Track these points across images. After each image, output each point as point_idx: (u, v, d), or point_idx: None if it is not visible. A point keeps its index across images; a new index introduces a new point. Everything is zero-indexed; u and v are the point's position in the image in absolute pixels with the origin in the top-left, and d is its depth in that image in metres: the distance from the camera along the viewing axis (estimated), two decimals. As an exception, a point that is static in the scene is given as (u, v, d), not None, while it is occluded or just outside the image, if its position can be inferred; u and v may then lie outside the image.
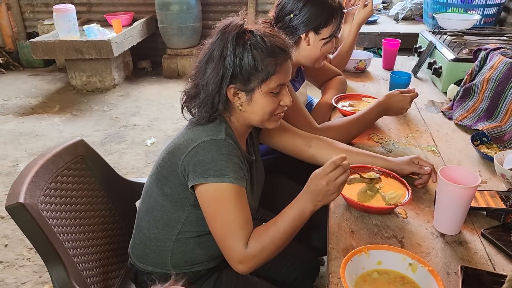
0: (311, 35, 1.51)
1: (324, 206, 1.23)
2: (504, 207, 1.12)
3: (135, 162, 3.16)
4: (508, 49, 1.72)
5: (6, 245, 2.39)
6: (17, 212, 1.10)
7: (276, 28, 1.54)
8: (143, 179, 1.58)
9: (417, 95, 1.56)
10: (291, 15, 1.50)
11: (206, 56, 1.14)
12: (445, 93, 1.94)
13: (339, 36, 1.66)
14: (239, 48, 1.09)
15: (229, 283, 1.28)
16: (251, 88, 1.11)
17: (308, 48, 1.53)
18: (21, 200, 1.11)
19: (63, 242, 1.21)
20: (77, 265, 1.24)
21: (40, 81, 4.95)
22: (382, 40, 2.29)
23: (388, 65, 2.31)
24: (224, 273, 1.29)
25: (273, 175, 1.71)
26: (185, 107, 1.20)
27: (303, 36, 1.52)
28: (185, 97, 1.19)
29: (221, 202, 1.07)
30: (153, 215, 1.21)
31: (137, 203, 1.55)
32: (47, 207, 1.22)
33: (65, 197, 1.32)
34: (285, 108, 1.18)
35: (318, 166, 1.39)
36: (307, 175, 1.70)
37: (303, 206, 1.06)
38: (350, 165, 1.27)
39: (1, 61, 5.21)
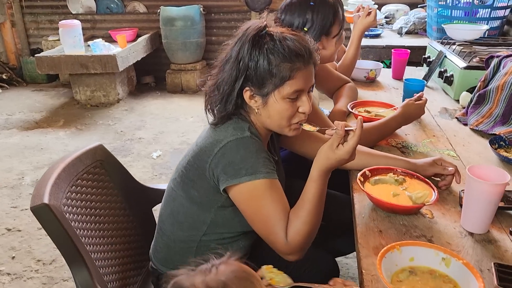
0: (323, 39, 1.53)
1: (349, 211, 1.23)
2: (532, 206, 1.12)
3: (142, 175, 3.15)
4: (521, 55, 1.74)
5: (13, 257, 2.36)
6: (42, 212, 1.09)
7: None
8: (161, 185, 1.58)
9: (426, 100, 1.62)
10: (305, 29, 1.51)
11: (226, 56, 1.14)
12: (457, 100, 1.95)
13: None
14: (255, 51, 1.08)
15: None
16: (266, 92, 1.09)
17: (324, 51, 1.55)
18: (46, 201, 1.10)
19: (85, 246, 1.19)
20: (99, 269, 1.22)
21: (43, 96, 4.96)
22: (392, 50, 2.31)
23: (398, 75, 2.32)
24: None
25: (290, 181, 1.70)
26: (207, 107, 1.19)
27: (317, 44, 1.53)
28: (206, 95, 1.19)
29: (257, 199, 1.07)
30: (178, 218, 1.20)
31: (154, 209, 1.54)
32: (69, 209, 1.21)
33: (85, 200, 1.31)
34: (305, 116, 1.14)
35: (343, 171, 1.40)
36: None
37: (318, 177, 1.06)
38: (374, 167, 1.28)
39: (4, 77, 5.22)
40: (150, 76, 5.27)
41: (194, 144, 1.19)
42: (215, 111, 1.16)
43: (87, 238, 1.24)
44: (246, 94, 1.11)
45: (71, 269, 1.12)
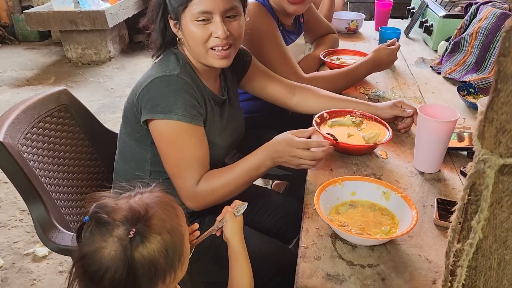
0: None
1: None
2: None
3: (128, 130, 3.16)
4: (499, 2, 1.69)
5: (-1, 207, 2.41)
6: (-4, 150, 1.10)
7: None
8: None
9: (399, 46, 1.58)
10: None
11: None
12: (436, 50, 1.92)
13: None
14: None
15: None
16: (178, 16, 1.09)
17: None
18: (0, 139, 1.11)
19: (44, 185, 1.21)
20: (60, 208, 1.25)
21: (35, 54, 4.92)
22: (375, 1, 2.26)
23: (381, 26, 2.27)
24: (206, 219, 1.29)
25: (264, 130, 1.70)
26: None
27: None
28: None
29: (168, 139, 1.07)
30: (125, 156, 1.23)
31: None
32: (28, 149, 1.22)
33: (47, 143, 1.31)
34: (222, 42, 1.08)
35: (310, 117, 1.39)
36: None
37: (263, 159, 1.06)
38: (332, 110, 1.27)
39: (-4, 35, 5.18)
40: (143, 35, 5.16)
41: None
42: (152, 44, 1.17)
43: (48, 178, 1.26)
44: (171, 23, 1.12)
45: (27, 205, 1.14)
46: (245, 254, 0.94)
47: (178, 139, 1.06)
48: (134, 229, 0.70)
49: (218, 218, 0.97)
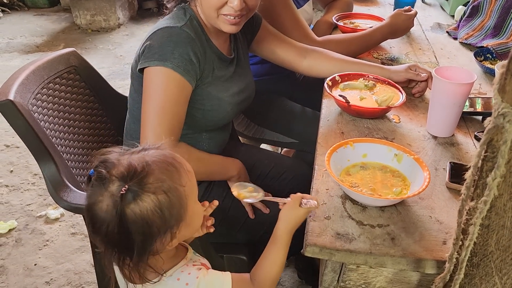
0: None
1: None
2: (501, 111, 1.09)
3: (138, 97, 3.15)
4: (522, -36, 1.62)
5: (11, 171, 2.44)
6: (7, 108, 1.10)
7: None
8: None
9: (416, 13, 1.55)
10: None
11: None
12: (453, 16, 1.86)
13: None
14: None
15: (219, 193, 1.28)
16: None
17: None
18: (11, 97, 1.11)
19: (55, 145, 1.22)
20: (71, 168, 1.25)
21: (45, 20, 4.88)
22: (391, -36, 2.18)
23: (396, -8, 2.21)
24: (214, 186, 1.29)
25: (274, 95, 1.68)
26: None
27: None
28: None
29: (156, 84, 1.05)
30: (134, 114, 1.22)
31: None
32: (38, 110, 1.22)
33: (57, 104, 1.31)
34: (235, 12, 1.07)
35: (321, 81, 1.37)
36: (306, 96, 1.69)
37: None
38: (345, 73, 1.25)
39: (5, 1, 5.13)
40: (152, 1, 5.11)
41: None
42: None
43: (58, 139, 1.26)
44: None
45: (39, 164, 1.15)
46: (284, 245, 0.85)
47: (164, 86, 1.04)
48: (126, 186, 0.69)
49: (292, 196, 0.86)
